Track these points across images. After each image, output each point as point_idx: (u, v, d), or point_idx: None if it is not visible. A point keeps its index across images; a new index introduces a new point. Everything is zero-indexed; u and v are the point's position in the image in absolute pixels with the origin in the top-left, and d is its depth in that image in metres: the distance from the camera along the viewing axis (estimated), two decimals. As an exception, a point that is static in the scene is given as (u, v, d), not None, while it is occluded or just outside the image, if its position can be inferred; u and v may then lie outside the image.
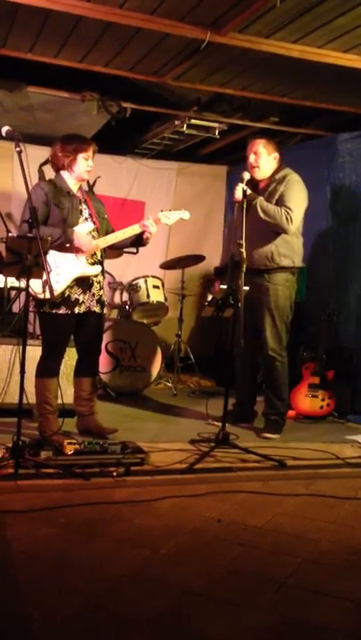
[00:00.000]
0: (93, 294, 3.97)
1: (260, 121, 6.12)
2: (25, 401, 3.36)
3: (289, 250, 4.40)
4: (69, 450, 3.40)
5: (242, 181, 4.21)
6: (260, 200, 4.31)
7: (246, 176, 4.27)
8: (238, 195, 4.17)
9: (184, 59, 4.71)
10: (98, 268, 3.96)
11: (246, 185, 4.24)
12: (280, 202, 4.33)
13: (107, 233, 4.01)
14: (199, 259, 6.14)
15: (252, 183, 4.43)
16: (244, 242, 3.89)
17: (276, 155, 4.48)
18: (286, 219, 4.28)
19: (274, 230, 4.34)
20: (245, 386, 4.69)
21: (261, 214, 4.28)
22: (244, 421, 4.65)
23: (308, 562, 2.50)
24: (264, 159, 4.43)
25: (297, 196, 4.37)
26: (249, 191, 4.23)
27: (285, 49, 4.38)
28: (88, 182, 4.40)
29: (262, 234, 4.32)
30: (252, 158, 4.43)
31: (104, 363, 5.48)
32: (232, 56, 4.60)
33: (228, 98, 5.80)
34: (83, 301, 3.91)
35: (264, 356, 4.50)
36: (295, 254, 4.45)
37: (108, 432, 4.03)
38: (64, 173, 3.94)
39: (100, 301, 4.01)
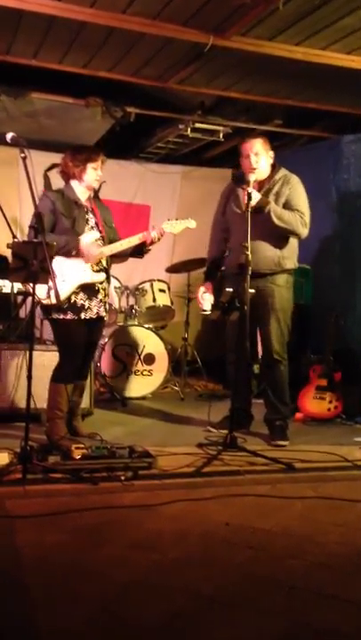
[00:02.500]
0: (100, 300, 4.00)
1: (265, 123, 6.12)
2: (32, 406, 3.36)
3: (291, 252, 4.36)
4: (77, 454, 3.40)
5: (248, 184, 4.08)
6: (273, 206, 4.18)
7: (252, 178, 4.14)
8: (252, 200, 4.00)
9: (188, 63, 4.72)
10: (102, 275, 3.99)
11: (242, 187, 4.18)
12: (289, 206, 4.25)
13: (112, 242, 4.05)
14: (205, 262, 6.12)
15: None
16: (249, 244, 3.87)
17: (272, 153, 4.34)
18: (301, 223, 4.23)
19: (281, 234, 4.25)
20: (242, 390, 4.56)
21: (276, 221, 4.16)
22: (242, 427, 4.49)
23: (317, 565, 2.49)
24: (263, 159, 4.27)
25: (304, 199, 4.31)
26: (258, 195, 4.11)
27: (289, 51, 4.38)
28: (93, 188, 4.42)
29: (269, 238, 4.24)
30: (253, 159, 4.23)
31: (111, 367, 5.49)
32: (236, 59, 4.60)
33: (233, 101, 5.80)
34: (89, 307, 3.94)
35: (268, 360, 4.41)
36: (294, 255, 4.42)
37: (85, 435, 4.07)
38: (74, 183, 3.99)
39: (104, 307, 4.05)
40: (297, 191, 4.30)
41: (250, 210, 3.95)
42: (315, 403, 5.11)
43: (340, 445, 4.25)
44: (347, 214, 5.68)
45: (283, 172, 4.37)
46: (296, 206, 4.25)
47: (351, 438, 4.53)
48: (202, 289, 4.51)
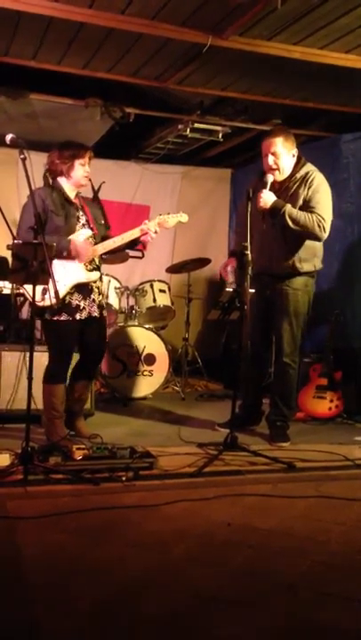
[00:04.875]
0: (93, 300, 4.00)
1: (263, 123, 6.12)
2: (33, 407, 3.37)
3: (310, 254, 4.23)
4: (78, 455, 3.40)
5: (265, 186, 3.98)
6: (288, 209, 4.01)
7: (270, 179, 4.00)
8: (265, 203, 3.95)
9: (186, 63, 4.72)
10: (96, 274, 3.99)
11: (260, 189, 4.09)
12: (307, 207, 4.07)
13: (103, 238, 4.03)
14: (205, 262, 6.14)
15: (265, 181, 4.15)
16: (249, 244, 3.84)
17: (295, 150, 4.11)
18: (319, 227, 4.04)
19: (298, 236, 4.13)
20: (253, 389, 4.61)
21: (291, 224, 4.00)
22: (252, 424, 4.59)
23: (318, 563, 2.49)
24: (284, 159, 4.07)
25: (325, 199, 4.12)
26: (271, 197, 4.02)
27: (287, 51, 4.38)
28: (93, 188, 4.42)
29: (285, 240, 4.14)
30: (270, 160, 4.05)
31: (112, 368, 5.49)
32: (234, 59, 4.60)
33: (231, 101, 5.80)
34: (84, 307, 3.94)
35: (278, 363, 4.37)
36: (316, 258, 4.28)
37: (86, 435, 4.05)
38: (62, 180, 3.97)
39: (99, 306, 4.05)
40: (318, 192, 4.09)
41: (260, 211, 3.92)
42: (315, 402, 5.11)
43: (340, 444, 4.25)
44: (346, 213, 5.67)
45: (305, 169, 4.14)
46: (315, 208, 4.06)
47: (352, 437, 4.53)
48: (225, 263, 4.33)
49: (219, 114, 6.01)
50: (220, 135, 6.25)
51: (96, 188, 4.62)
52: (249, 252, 3.81)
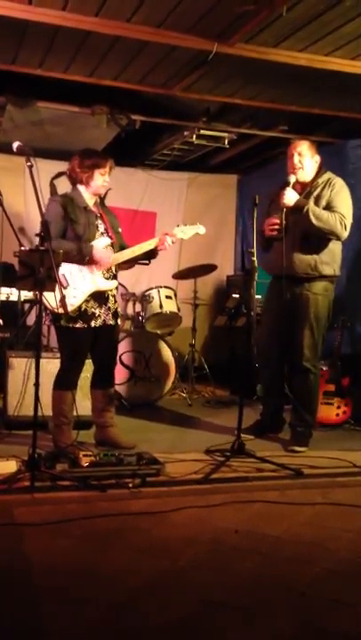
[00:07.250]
0: (109, 308, 4.01)
1: (270, 129, 6.13)
2: (40, 413, 3.38)
3: (331, 258, 4.26)
4: (85, 462, 3.40)
5: (288, 185, 4.13)
6: (312, 206, 4.14)
7: (292, 179, 4.17)
8: (289, 200, 4.09)
9: (192, 70, 4.73)
10: (114, 283, 4.01)
11: (283, 188, 4.17)
12: (329, 207, 4.20)
13: (121, 247, 4.05)
14: (211, 268, 6.15)
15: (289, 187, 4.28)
16: (255, 250, 3.87)
17: (318, 158, 4.36)
18: (341, 224, 4.15)
19: (320, 237, 4.18)
20: (274, 395, 4.59)
21: (314, 221, 4.10)
22: (274, 432, 4.59)
23: (326, 571, 2.48)
24: (308, 161, 4.31)
25: (346, 201, 4.27)
26: (295, 195, 4.15)
27: (292, 58, 4.38)
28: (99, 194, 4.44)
29: (306, 241, 4.18)
30: (296, 159, 4.29)
31: (118, 374, 5.48)
32: (240, 66, 4.61)
33: (237, 107, 5.81)
34: (99, 315, 3.95)
35: (299, 368, 4.33)
36: (335, 263, 4.30)
37: (124, 446, 4.01)
38: (80, 188, 4.00)
39: (115, 314, 4.06)
40: (339, 194, 4.26)
41: (284, 209, 3.99)
42: (323, 408, 5.07)
43: (348, 451, 4.24)
44: (354, 219, 5.65)
45: (327, 175, 4.35)
46: (337, 208, 4.19)
47: (359, 444, 4.52)
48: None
49: (225, 120, 6.02)
50: (227, 142, 6.26)
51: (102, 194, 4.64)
52: (255, 259, 3.85)
